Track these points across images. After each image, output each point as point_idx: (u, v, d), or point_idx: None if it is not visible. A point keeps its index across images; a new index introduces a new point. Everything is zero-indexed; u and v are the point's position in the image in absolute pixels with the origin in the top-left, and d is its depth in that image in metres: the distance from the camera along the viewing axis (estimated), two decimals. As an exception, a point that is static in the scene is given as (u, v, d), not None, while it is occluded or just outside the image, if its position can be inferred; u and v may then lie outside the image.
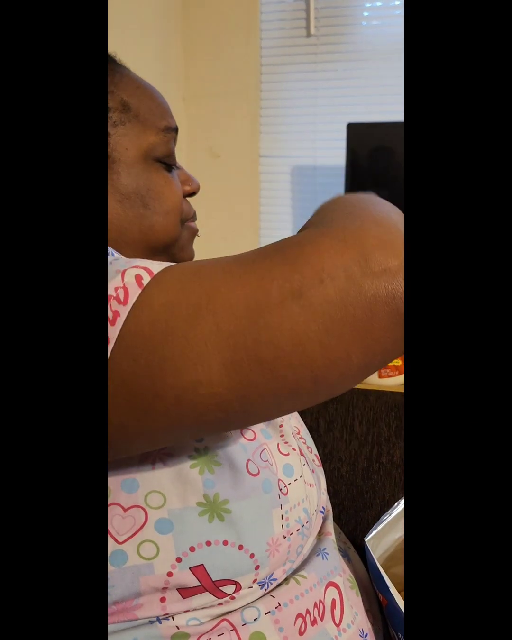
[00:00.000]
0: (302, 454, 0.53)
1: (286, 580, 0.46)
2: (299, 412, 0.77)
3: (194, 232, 0.62)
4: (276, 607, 0.43)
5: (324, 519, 0.55)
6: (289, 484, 0.47)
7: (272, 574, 0.45)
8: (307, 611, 0.45)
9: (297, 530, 0.47)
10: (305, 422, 0.78)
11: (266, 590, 0.45)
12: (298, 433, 0.58)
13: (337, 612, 0.47)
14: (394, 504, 0.58)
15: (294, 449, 0.51)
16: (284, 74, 1.90)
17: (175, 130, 0.57)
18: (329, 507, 0.59)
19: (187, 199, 0.61)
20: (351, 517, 0.75)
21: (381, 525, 0.54)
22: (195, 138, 1.95)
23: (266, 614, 0.43)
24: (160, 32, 1.80)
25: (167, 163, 0.55)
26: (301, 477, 0.49)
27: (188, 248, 0.60)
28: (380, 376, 0.75)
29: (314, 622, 0.45)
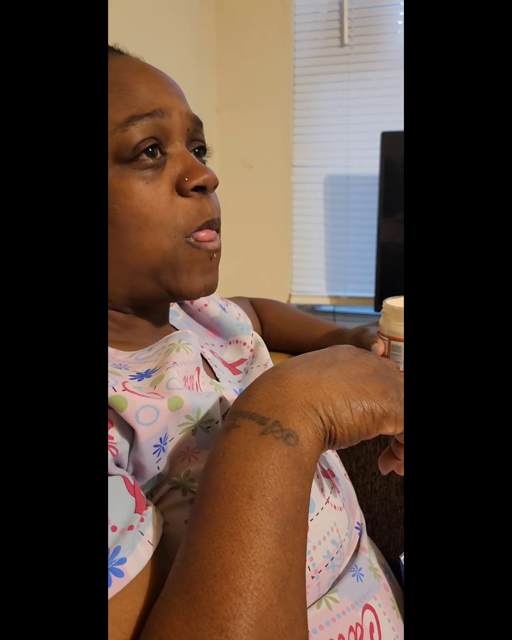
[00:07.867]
0: (328, 475, 0.49)
1: (317, 603, 0.43)
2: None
3: (206, 251, 0.49)
4: None
5: (360, 534, 0.53)
6: (310, 520, 0.43)
7: None
8: (341, 636, 0.42)
9: (326, 566, 0.44)
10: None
11: None
12: None
13: (375, 635, 0.45)
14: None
15: (317, 476, 0.47)
16: (317, 84, 1.89)
17: (151, 114, 0.45)
18: (363, 520, 0.56)
19: (207, 198, 0.49)
20: (385, 533, 0.73)
21: (417, 543, 0.52)
22: (228, 148, 1.96)
23: None
24: (194, 41, 1.82)
25: (142, 159, 0.45)
26: (326, 505, 0.46)
27: (192, 273, 0.48)
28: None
29: None
